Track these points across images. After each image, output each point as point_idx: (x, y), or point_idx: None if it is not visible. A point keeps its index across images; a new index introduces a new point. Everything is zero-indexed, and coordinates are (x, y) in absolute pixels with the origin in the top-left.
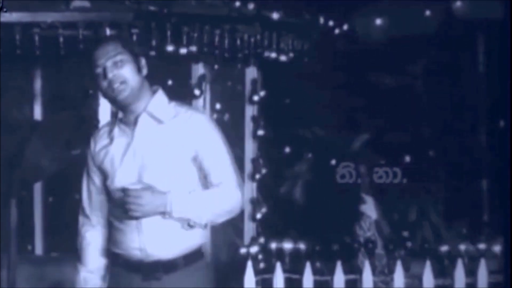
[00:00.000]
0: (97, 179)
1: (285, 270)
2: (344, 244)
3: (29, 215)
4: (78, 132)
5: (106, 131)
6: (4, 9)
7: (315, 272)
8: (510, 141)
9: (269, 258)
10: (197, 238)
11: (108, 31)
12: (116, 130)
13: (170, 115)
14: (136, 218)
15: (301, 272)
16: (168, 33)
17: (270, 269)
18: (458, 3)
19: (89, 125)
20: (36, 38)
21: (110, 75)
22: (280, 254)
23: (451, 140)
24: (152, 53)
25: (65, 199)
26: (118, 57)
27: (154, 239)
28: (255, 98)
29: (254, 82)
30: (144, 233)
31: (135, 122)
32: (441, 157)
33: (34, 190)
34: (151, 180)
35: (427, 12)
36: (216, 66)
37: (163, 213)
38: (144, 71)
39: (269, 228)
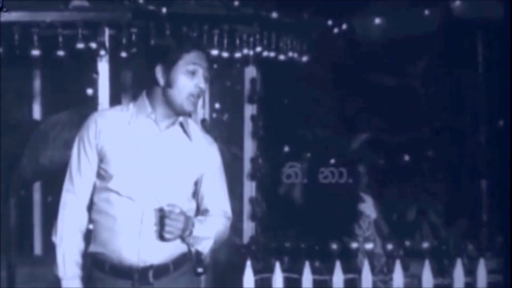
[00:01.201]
0: (93, 156)
1: (284, 270)
2: (343, 243)
3: (29, 215)
4: (77, 132)
5: (121, 116)
6: (4, 9)
7: (314, 271)
8: (509, 141)
9: (268, 257)
10: (183, 244)
11: (107, 31)
12: (141, 123)
13: (195, 134)
14: (166, 239)
15: (300, 272)
16: (167, 33)
17: (269, 269)
18: (458, 3)
19: None
20: (35, 37)
21: (202, 85)
22: (279, 253)
23: (450, 140)
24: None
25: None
26: (208, 73)
27: (149, 244)
28: (254, 97)
29: (253, 81)
30: (143, 238)
31: (167, 127)
32: (440, 156)
33: (34, 190)
34: (159, 186)
35: (427, 12)
36: (215, 66)
37: (183, 237)
38: None
39: (268, 227)
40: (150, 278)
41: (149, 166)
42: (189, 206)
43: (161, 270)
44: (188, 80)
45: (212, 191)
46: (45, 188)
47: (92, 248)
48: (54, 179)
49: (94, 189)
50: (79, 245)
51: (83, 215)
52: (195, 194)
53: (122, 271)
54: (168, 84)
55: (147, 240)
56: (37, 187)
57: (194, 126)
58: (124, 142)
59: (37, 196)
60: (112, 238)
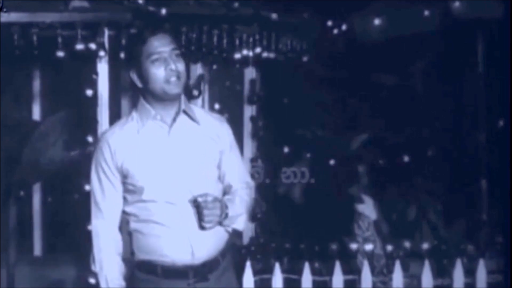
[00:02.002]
0: (114, 177)
1: (284, 270)
2: (343, 244)
3: (28, 215)
4: (76, 132)
5: (129, 128)
6: (4, 9)
7: (314, 272)
8: (509, 140)
9: (268, 258)
10: (226, 233)
11: (106, 32)
12: (150, 128)
13: (202, 117)
14: (206, 229)
15: (300, 273)
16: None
17: (269, 269)
18: (457, 3)
19: (88, 126)
20: (35, 38)
21: (172, 66)
22: (279, 254)
23: (450, 140)
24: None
25: (64, 199)
26: (177, 51)
27: (200, 241)
28: (254, 98)
29: (252, 82)
30: (193, 236)
31: (173, 120)
32: (440, 156)
33: (33, 190)
34: (189, 181)
35: (426, 12)
36: (214, 66)
37: (220, 222)
38: None
39: (268, 228)
40: (205, 274)
41: (172, 164)
42: (218, 189)
43: (213, 264)
44: (157, 68)
45: (232, 166)
46: (45, 189)
47: (139, 257)
48: (54, 180)
49: (126, 203)
50: (120, 267)
51: (117, 238)
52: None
53: (177, 271)
54: (144, 82)
55: (197, 237)
56: (37, 188)
57: (198, 110)
58: (141, 151)
59: (37, 196)
60: (160, 243)
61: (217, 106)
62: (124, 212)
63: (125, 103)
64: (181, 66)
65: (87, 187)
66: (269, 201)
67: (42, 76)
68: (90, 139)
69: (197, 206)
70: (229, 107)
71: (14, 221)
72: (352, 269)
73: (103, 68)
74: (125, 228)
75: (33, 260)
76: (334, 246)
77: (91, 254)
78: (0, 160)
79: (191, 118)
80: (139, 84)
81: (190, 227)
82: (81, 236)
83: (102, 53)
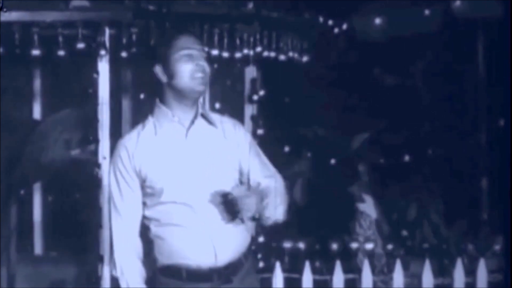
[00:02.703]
0: (133, 181)
1: (284, 270)
2: (344, 243)
3: (29, 214)
4: (77, 131)
5: (146, 132)
6: (4, 9)
7: (314, 271)
8: (510, 140)
9: (269, 257)
10: (249, 234)
11: (107, 31)
12: (167, 129)
13: (218, 121)
14: (244, 219)
15: (300, 272)
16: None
17: (270, 269)
18: (458, 2)
19: (89, 125)
20: (35, 37)
21: (198, 62)
22: (279, 253)
23: (450, 139)
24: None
25: (64, 199)
26: (205, 54)
27: (223, 243)
28: (255, 97)
29: (253, 81)
30: (216, 238)
31: (191, 123)
32: (441, 156)
33: (34, 189)
34: (209, 182)
35: (427, 12)
36: (215, 66)
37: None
38: None
39: (269, 227)
40: (229, 276)
41: (191, 166)
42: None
43: (237, 266)
44: (186, 63)
45: (255, 165)
46: (45, 188)
47: (162, 262)
48: (55, 179)
49: (146, 207)
50: (141, 272)
51: (138, 242)
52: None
53: (202, 275)
54: (170, 76)
55: (220, 239)
56: (37, 187)
57: (213, 114)
58: (159, 153)
59: (37, 195)
60: (183, 246)
61: (217, 105)
62: (145, 218)
63: (125, 103)
64: (207, 67)
65: (87, 186)
66: None
67: (42, 76)
68: (90, 138)
69: (231, 200)
70: (229, 106)
71: (15, 220)
72: (352, 268)
73: (104, 67)
74: (145, 235)
75: (34, 259)
76: (334, 245)
77: (112, 259)
78: (1, 159)
79: (209, 121)
80: (164, 79)
81: (212, 229)
82: (81, 235)
83: (103, 52)
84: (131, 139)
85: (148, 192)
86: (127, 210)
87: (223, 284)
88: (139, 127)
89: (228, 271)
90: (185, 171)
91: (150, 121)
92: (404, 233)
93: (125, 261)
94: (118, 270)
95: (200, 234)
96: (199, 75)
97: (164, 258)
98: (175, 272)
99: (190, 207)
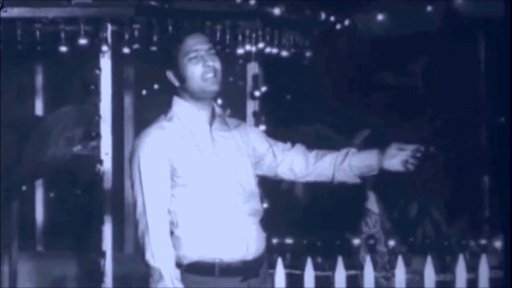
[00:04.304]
0: (165, 170)
1: (286, 266)
2: (346, 239)
3: (31, 211)
4: (79, 128)
5: (174, 124)
6: (4, 9)
7: (316, 267)
8: (510, 137)
9: (271, 253)
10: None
11: (109, 27)
12: (193, 125)
13: (230, 123)
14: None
15: (302, 268)
16: (169, 28)
17: (272, 265)
18: (459, 1)
19: (91, 121)
20: (38, 33)
21: (210, 63)
22: (281, 249)
23: (452, 137)
24: (154, 48)
25: (66, 195)
26: (213, 50)
27: (253, 236)
28: (257, 94)
29: (255, 78)
30: (247, 231)
31: (210, 123)
32: (442, 153)
33: (36, 186)
34: (234, 176)
35: (429, 9)
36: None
37: None
38: None
39: (270, 223)
40: (257, 269)
41: (217, 160)
42: (257, 191)
43: (262, 260)
44: (195, 66)
45: (273, 143)
46: (47, 185)
47: (190, 259)
48: (57, 176)
49: (175, 199)
50: (176, 272)
51: (169, 240)
52: (268, 166)
53: (235, 268)
54: (182, 80)
55: (250, 232)
56: (39, 184)
57: (225, 116)
58: (188, 147)
59: (39, 192)
60: (214, 240)
61: (219, 101)
62: (171, 212)
63: (127, 99)
64: (217, 64)
65: (89, 183)
66: (271, 196)
67: (44, 72)
68: (92, 134)
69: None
70: (231, 103)
71: (17, 216)
72: (354, 264)
73: (106, 64)
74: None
75: (36, 255)
76: (336, 242)
77: (144, 249)
78: (3, 156)
79: (225, 122)
80: (176, 83)
81: (242, 222)
82: (83, 232)
83: (105, 48)
84: (162, 128)
85: (178, 183)
86: (159, 196)
87: (252, 278)
88: (162, 119)
89: (256, 265)
90: (211, 165)
91: (174, 114)
92: (406, 229)
93: (160, 264)
94: (156, 275)
95: (233, 227)
96: (210, 75)
97: (192, 254)
98: (205, 268)
99: (220, 199)
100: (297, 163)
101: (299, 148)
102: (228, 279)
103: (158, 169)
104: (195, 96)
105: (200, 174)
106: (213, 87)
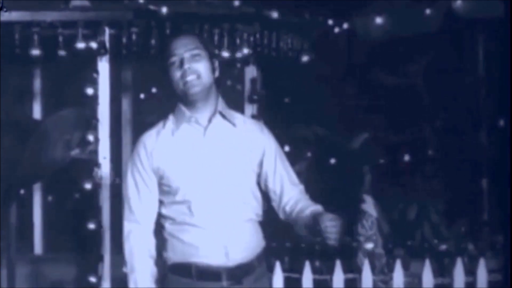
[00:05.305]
0: (150, 180)
1: (284, 269)
2: (344, 243)
3: (29, 214)
4: (77, 131)
5: (165, 131)
6: (4, 9)
7: (314, 271)
8: (510, 140)
9: (269, 257)
10: (263, 239)
11: (107, 30)
12: (184, 130)
13: (240, 121)
14: (333, 245)
15: (300, 271)
16: (168, 32)
17: (270, 268)
18: (459, 2)
19: (89, 125)
20: (36, 37)
21: (186, 66)
22: (279, 253)
23: (451, 139)
24: (152, 52)
25: (64, 199)
26: (196, 51)
27: (236, 243)
28: (255, 97)
29: (253, 81)
30: (229, 238)
31: (209, 121)
32: (441, 156)
33: (34, 189)
34: (226, 182)
35: (427, 11)
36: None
37: None
38: (217, 73)
39: (269, 227)
40: (240, 277)
41: (208, 165)
42: (254, 191)
43: (248, 268)
44: (175, 71)
45: (282, 171)
46: (45, 188)
47: (173, 260)
48: (55, 179)
49: (163, 205)
50: (152, 271)
51: (151, 241)
52: (264, 183)
53: (211, 273)
54: (169, 84)
55: (233, 239)
56: (37, 187)
57: (237, 115)
58: (176, 153)
59: (37, 195)
60: (195, 244)
61: None
62: (160, 215)
63: (125, 102)
64: (199, 65)
65: (87, 186)
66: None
67: (43, 75)
68: (90, 138)
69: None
70: (230, 106)
71: (15, 220)
72: (352, 268)
73: (104, 67)
74: (160, 233)
75: (34, 259)
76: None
77: (124, 257)
78: (1, 159)
79: (227, 119)
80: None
81: (225, 228)
82: (81, 235)
83: (103, 52)
84: (151, 137)
85: (165, 190)
86: (142, 209)
87: (233, 285)
88: (160, 125)
89: (238, 272)
90: (201, 170)
91: (170, 119)
92: (404, 233)
93: (136, 260)
94: (128, 267)
95: (213, 233)
96: (189, 78)
97: (176, 256)
98: (185, 270)
99: (205, 206)
100: (289, 206)
101: (302, 196)
102: (205, 282)
103: (143, 182)
104: (184, 100)
105: (185, 179)
106: (193, 89)
